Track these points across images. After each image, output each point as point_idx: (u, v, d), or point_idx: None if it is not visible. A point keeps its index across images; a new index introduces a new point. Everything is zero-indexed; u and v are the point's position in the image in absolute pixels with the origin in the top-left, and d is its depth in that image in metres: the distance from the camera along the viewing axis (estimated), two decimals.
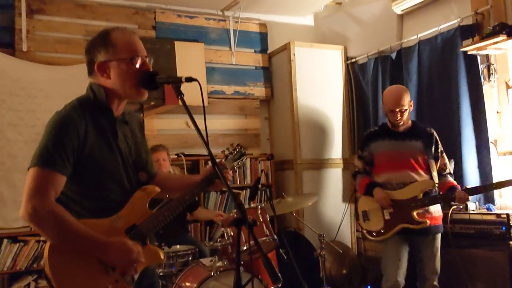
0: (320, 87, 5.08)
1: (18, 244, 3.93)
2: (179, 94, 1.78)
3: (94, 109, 1.86)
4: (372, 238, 3.43)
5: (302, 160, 4.92)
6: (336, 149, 5.11)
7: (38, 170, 1.69)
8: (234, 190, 4.73)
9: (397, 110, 3.26)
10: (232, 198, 1.59)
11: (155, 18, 4.76)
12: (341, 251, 4.31)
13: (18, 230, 3.94)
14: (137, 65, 1.88)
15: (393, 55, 4.58)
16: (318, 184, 4.99)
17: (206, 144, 1.71)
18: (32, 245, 3.96)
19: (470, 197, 3.17)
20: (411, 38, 4.35)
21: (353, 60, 5.15)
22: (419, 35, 4.24)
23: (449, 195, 3.19)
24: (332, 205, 5.02)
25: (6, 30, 4.18)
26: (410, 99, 3.33)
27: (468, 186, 3.20)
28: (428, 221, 3.20)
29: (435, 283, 3.26)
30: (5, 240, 3.90)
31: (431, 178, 3.28)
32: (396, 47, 4.55)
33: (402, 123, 3.31)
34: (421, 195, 3.22)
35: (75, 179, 1.78)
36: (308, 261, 4.22)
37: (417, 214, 3.21)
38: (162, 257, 1.93)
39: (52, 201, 1.68)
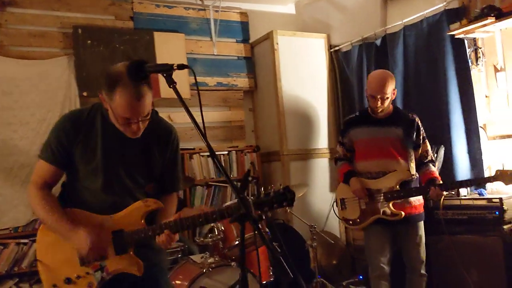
0: (304, 76, 5.00)
1: None
2: (172, 83, 1.66)
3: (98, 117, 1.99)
4: (348, 226, 3.44)
5: (289, 151, 4.84)
6: (322, 139, 5.05)
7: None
8: (219, 184, 4.68)
9: (378, 96, 3.16)
10: (236, 193, 1.50)
11: (132, 9, 4.59)
12: (332, 242, 4.27)
13: None
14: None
15: (378, 42, 4.52)
16: (305, 174, 4.92)
17: (205, 139, 1.59)
18: (12, 248, 3.80)
19: (445, 192, 3.14)
20: (396, 24, 4.29)
21: (337, 48, 5.08)
22: (404, 21, 4.18)
23: (424, 190, 3.15)
24: (319, 195, 4.96)
25: None
26: (394, 87, 3.22)
27: (440, 182, 3.14)
28: (402, 213, 3.15)
29: (423, 271, 3.24)
30: None
31: (410, 167, 3.22)
32: (381, 33, 4.49)
33: (381, 110, 3.23)
34: (397, 186, 3.17)
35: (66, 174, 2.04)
36: (298, 253, 4.16)
37: (394, 204, 3.17)
38: (138, 272, 1.96)
39: (35, 186, 1.97)
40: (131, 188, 2.02)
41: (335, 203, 3.61)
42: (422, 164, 3.25)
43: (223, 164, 4.74)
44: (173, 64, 1.68)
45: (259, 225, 1.37)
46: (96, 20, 4.43)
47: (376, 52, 4.55)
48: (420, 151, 3.26)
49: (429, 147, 3.30)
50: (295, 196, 1.90)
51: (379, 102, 3.17)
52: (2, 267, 3.74)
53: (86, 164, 1.96)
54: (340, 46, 5.04)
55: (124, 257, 1.95)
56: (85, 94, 4.19)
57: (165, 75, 1.68)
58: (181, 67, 1.68)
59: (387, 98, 3.18)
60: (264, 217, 1.48)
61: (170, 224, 1.93)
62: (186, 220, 1.94)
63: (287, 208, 4.26)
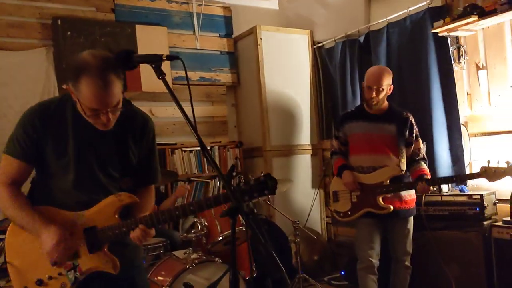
0: (287, 72, 4.99)
1: None
2: (161, 74, 1.62)
3: (67, 109, 1.85)
4: (339, 218, 3.46)
5: (272, 147, 4.83)
6: (304, 135, 5.05)
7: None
8: (201, 180, 4.64)
9: (374, 87, 3.22)
10: (227, 187, 1.47)
11: (114, 1, 4.50)
12: (315, 237, 4.28)
13: None
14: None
15: (361, 39, 4.54)
16: (287, 170, 4.92)
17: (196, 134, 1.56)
18: None
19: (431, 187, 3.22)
20: (380, 21, 4.31)
21: (320, 44, 5.08)
22: (388, 18, 4.20)
23: (412, 185, 3.21)
24: (301, 191, 4.97)
25: None
26: (391, 84, 3.28)
27: (428, 177, 3.20)
28: (391, 207, 3.19)
29: (407, 263, 3.29)
30: None
31: (401, 163, 3.26)
32: (364, 30, 4.51)
33: (375, 103, 3.26)
34: (388, 181, 3.22)
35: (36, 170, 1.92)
36: (280, 248, 4.16)
37: (384, 199, 3.21)
38: (114, 270, 1.86)
39: (2, 184, 1.85)
40: (105, 184, 1.91)
41: (328, 196, 3.62)
42: (413, 161, 3.30)
43: (206, 160, 4.70)
44: (162, 55, 1.64)
45: (248, 220, 1.35)
46: (76, 12, 4.33)
47: (360, 49, 4.57)
48: (412, 148, 3.31)
49: (421, 145, 3.35)
50: (276, 184, 1.77)
51: (374, 93, 3.21)
52: None
53: (56, 159, 1.85)
54: (324, 43, 5.04)
55: (98, 255, 1.85)
56: (64, 86, 4.07)
57: (154, 65, 1.63)
58: (170, 57, 1.64)
59: (382, 90, 3.22)
60: (252, 211, 1.43)
61: (145, 219, 1.83)
62: (162, 213, 1.85)
63: (268, 202, 4.25)
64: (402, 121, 3.29)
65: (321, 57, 5.13)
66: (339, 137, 3.48)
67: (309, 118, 5.08)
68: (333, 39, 4.85)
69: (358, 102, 4.49)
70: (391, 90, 3.31)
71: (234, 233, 1.40)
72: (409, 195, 3.28)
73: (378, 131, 3.28)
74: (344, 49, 4.73)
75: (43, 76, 4.10)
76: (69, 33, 4.16)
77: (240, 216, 1.46)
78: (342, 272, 4.32)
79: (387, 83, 3.25)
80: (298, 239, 3.91)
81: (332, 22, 4.93)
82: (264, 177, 1.77)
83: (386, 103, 3.33)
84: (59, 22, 4.14)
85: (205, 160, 4.67)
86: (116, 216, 1.87)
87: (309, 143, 5.07)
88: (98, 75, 1.66)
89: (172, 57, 1.65)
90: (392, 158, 3.25)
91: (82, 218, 1.85)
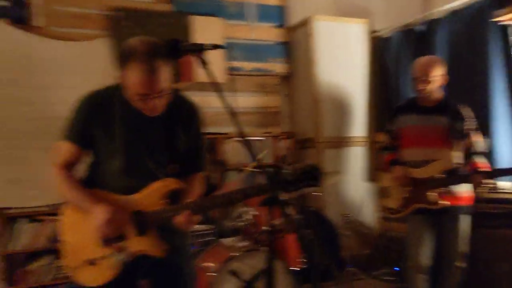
0: (342, 62, 4.91)
1: (36, 223, 3.89)
2: (205, 63, 1.64)
3: (116, 97, 1.93)
4: (390, 214, 3.37)
5: (324, 138, 4.78)
6: (358, 127, 4.96)
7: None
8: (252, 170, 4.66)
9: (422, 78, 3.12)
10: (266, 177, 1.48)
11: None
12: (365, 231, 4.20)
13: (35, 209, 3.89)
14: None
15: (419, 28, 4.38)
16: (339, 162, 4.85)
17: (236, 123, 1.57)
18: (49, 225, 3.91)
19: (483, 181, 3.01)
20: (439, 10, 4.13)
21: (377, 34, 4.95)
22: (447, 6, 4.03)
23: (464, 178, 3.06)
24: (353, 184, 4.89)
25: (21, 5, 4.05)
26: (443, 73, 3.15)
27: (482, 169, 3.03)
28: (448, 202, 3.06)
29: (459, 264, 3.14)
30: (23, 219, 3.85)
31: (453, 156, 3.13)
32: (423, 19, 4.34)
33: (425, 93, 3.15)
34: (439, 175, 3.08)
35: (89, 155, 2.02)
36: (331, 241, 4.13)
37: (436, 194, 3.08)
38: (160, 254, 1.92)
39: (57, 166, 1.95)
40: (152, 169, 1.97)
41: (377, 192, 3.56)
42: (469, 155, 3.15)
43: (257, 150, 4.73)
44: (207, 44, 1.66)
45: (287, 210, 1.35)
46: (135, 3, 4.46)
47: (417, 39, 4.41)
48: (467, 142, 3.16)
49: (477, 139, 3.19)
50: (321, 175, 1.78)
51: (421, 84, 3.12)
52: (41, 242, 3.87)
53: (106, 144, 1.93)
54: (381, 32, 4.91)
55: (145, 238, 1.90)
56: (115, 73, 4.24)
57: (198, 55, 1.66)
58: (215, 47, 1.66)
59: (430, 81, 3.11)
60: (294, 203, 1.44)
61: (191, 205, 1.88)
62: (207, 200, 1.90)
63: (318, 193, 4.22)
64: (455, 113, 3.15)
65: (377, 47, 5.00)
66: (391, 130, 3.39)
67: (364, 109, 4.98)
68: (390, 29, 4.71)
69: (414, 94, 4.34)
70: (445, 81, 3.17)
71: (271, 222, 1.40)
72: (464, 191, 3.13)
73: (430, 124, 3.17)
74: (401, 39, 4.59)
75: (104, 66, 4.26)
76: (128, 23, 4.30)
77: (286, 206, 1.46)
78: (396, 268, 4.22)
79: (437, 73, 3.12)
80: (348, 232, 3.86)
81: (390, 11, 4.80)
82: (310, 167, 1.77)
83: (439, 94, 3.20)
84: (118, 13, 4.29)
85: (257, 150, 4.71)
86: (162, 201, 1.92)
87: (362, 135, 4.97)
88: (145, 60, 1.71)
89: (216, 46, 1.67)
90: (445, 151, 3.12)
91: (130, 202, 1.92)
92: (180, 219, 1.87)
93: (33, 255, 3.92)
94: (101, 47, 4.28)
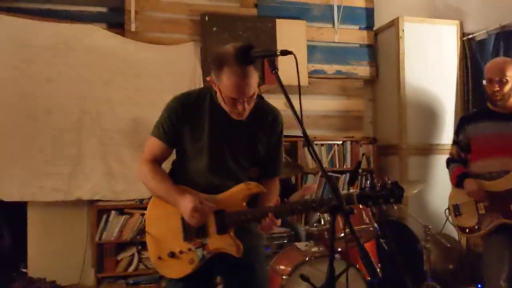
0: (431, 66, 4.69)
1: (124, 216, 4.15)
2: (274, 68, 1.67)
3: (207, 99, 2.04)
4: (466, 234, 3.13)
5: (408, 145, 4.60)
6: (446, 134, 4.69)
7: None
8: (331, 174, 4.61)
9: (496, 79, 2.90)
10: (329, 184, 1.46)
11: None
12: (448, 245, 3.98)
13: (125, 203, 4.16)
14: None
15: None
16: (425, 171, 4.64)
17: (301, 125, 1.57)
18: (137, 218, 4.14)
19: None
20: None
21: (470, 36, 4.66)
22: None
23: None
24: (439, 194, 4.62)
25: (117, 11, 4.36)
26: None
27: None
28: None
29: None
30: (113, 212, 4.13)
31: None
32: None
33: (500, 97, 2.92)
34: None
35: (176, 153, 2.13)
36: (411, 253, 3.95)
37: None
38: (237, 253, 1.97)
39: (145, 161, 2.07)
40: (235, 171, 2.05)
41: (447, 210, 3.32)
42: None
43: (337, 154, 4.67)
44: (276, 50, 1.68)
45: (348, 219, 1.32)
46: (222, 8, 4.60)
47: None
48: None
49: None
50: (403, 193, 1.77)
51: (496, 86, 2.91)
52: (128, 234, 4.12)
53: (193, 143, 2.02)
54: (475, 34, 4.61)
55: (224, 236, 1.97)
56: (208, 78, 4.38)
57: (268, 60, 1.68)
58: (284, 53, 1.67)
59: (506, 81, 2.89)
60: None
61: (272, 209, 1.94)
62: (288, 205, 1.95)
63: (398, 204, 4.06)
64: None
65: (470, 51, 4.70)
66: (459, 141, 3.16)
67: (453, 116, 4.72)
68: (486, 31, 4.41)
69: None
70: None
71: (333, 230, 1.38)
72: None
73: (508, 131, 2.92)
74: (498, 42, 4.27)
75: (191, 69, 4.44)
76: (214, 28, 4.45)
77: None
78: (479, 286, 3.95)
79: None
80: (429, 245, 3.68)
81: (486, 11, 4.49)
82: (392, 185, 1.79)
83: None
84: (206, 18, 4.45)
85: (336, 154, 4.65)
86: (244, 203, 2.00)
87: (451, 143, 4.70)
88: (239, 65, 1.80)
89: (285, 53, 1.68)
90: None
91: (213, 200, 1.99)
92: (263, 222, 1.94)
93: (121, 245, 4.18)
94: (189, 51, 4.46)
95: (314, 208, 1.92)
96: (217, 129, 2.01)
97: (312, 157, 1.64)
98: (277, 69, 1.68)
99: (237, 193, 2.01)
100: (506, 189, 2.88)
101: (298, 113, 1.64)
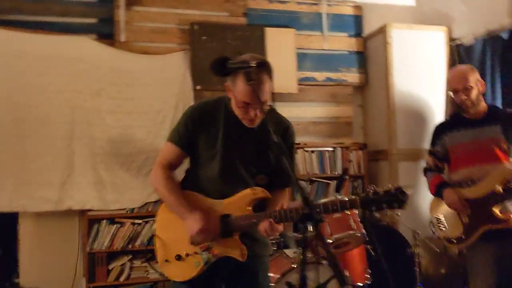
0: (419, 72, 4.73)
1: (115, 225, 4.16)
2: (249, 80, 1.70)
3: (222, 107, 2.13)
4: (453, 245, 3.13)
5: (398, 150, 4.62)
6: None
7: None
8: (322, 181, 4.63)
9: (460, 87, 2.93)
10: (300, 193, 1.49)
11: (245, 5, 4.72)
12: (437, 250, 4.00)
13: (115, 212, 4.16)
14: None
15: (505, 35, 4.10)
16: (415, 176, 4.64)
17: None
18: (128, 227, 4.15)
19: None
20: None
21: (458, 42, 4.70)
22: None
23: None
24: (429, 199, 4.64)
25: (106, 22, 4.40)
26: (479, 79, 2.98)
27: None
28: None
29: None
30: (104, 221, 4.14)
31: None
32: (509, 25, 4.06)
33: (470, 104, 2.95)
34: (500, 186, 2.81)
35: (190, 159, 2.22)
36: (402, 258, 3.97)
37: (502, 209, 2.82)
38: (241, 258, 2.03)
39: (160, 166, 2.16)
40: (245, 177, 2.12)
41: (431, 224, 3.31)
42: None
43: (328, 160, 4.69)
44: (252, 62, 1.71)
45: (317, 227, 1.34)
46: (211, 17, 4.64)
47: (503, 46, 4.14)
48: None
49: None
50: (407, 198, 1.78)
51: (463, 95, 2.94)
52: (119, 243, 4.13)
53: (206, 150, 2.10)
54: (462, 40, 4.65)
55: (229, 241, 2.04)
56: (198, 87, 4.42)
57: (244, 72, 1.72)
58: (260, 64, 1.70)
59: (471, 87, 2.93)
60: (321, 220, 1.43)
61: (274, 213, 1.98)
62: (290, 211, 1.97)
63: (395, 211, 4.08)
64: (507, 119, 2.92)
65: (458, 56, 4.74)
66: (436, 152, 3.18)
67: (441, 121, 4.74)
68: (473, 36, 4.46)
69: (499, 105, 4.07)
70: (483, 87, 2.98)
71: (306, 240, 1.40)
72: None
73: (486, 136, 2.93)
74: (485, 47, 4.32)
75: (180, 78, 4.46)
76: (204, 37, 4.48)
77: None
78: None
79: (475, 78, 2.95)
80: (418, 250, 3.70)
81: (473, 17, 4.53)
82: (396, 190, 1.80)
83: (483, 104, 3.00)
84: (195, 27, 4.49)
85: (327, 161, 4.67)
86: (249, 208, 2.06)
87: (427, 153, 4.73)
88: (254, 72, 1.86)
89: (261, 64, 1.71)
90: (505, 163, 2.87)
91: (220, 205, 2.09)
92: (263, 226, 1.99)
93: (112, 254, 4.19)
94: (179, 60, 4.49)
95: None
96: (230, 137, 2.09)
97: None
98: (254, 80, 1.70)
99: (243, 198, 2.08)
100: (484, 195, 2.88)
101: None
